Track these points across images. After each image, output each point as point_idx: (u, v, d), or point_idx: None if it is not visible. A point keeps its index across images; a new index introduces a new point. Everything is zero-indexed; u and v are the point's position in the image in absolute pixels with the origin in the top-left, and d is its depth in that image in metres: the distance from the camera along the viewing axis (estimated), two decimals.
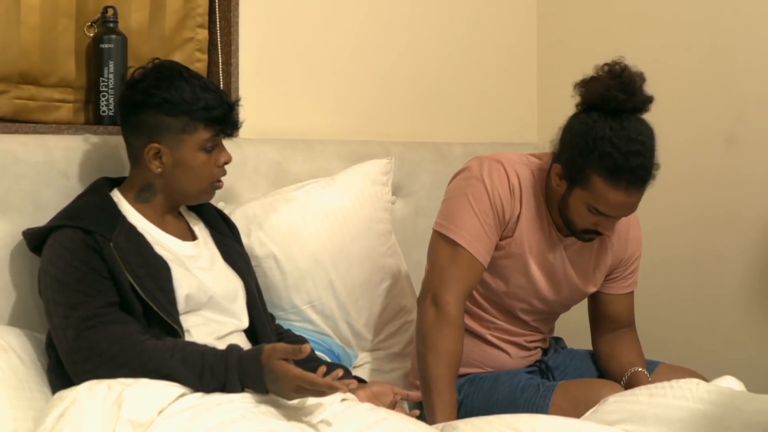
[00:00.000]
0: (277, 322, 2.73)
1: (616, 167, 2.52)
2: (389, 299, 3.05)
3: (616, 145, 2.52)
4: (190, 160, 2.43)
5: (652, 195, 2.64)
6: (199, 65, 2.98)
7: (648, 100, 2.57)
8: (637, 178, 2.54)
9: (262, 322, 2.56)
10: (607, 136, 2.52)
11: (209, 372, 2.19)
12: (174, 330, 2.30)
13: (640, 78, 2.57)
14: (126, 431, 2.01)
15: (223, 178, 2.50)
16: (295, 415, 2.15)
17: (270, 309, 2.70)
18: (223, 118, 2.43)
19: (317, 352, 2.70)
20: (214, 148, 2.45)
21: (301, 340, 2.58)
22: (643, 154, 2.53)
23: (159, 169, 2.42)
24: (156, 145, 2.40)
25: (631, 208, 2.61)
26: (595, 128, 2.54)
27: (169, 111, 2.40)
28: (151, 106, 2.40)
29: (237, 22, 3.03)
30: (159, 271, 2.35)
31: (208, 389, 2.17)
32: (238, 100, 2.51)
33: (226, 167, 2.49)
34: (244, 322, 2.51)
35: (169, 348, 2.22)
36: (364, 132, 3.39)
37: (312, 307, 2.88)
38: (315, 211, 2.92)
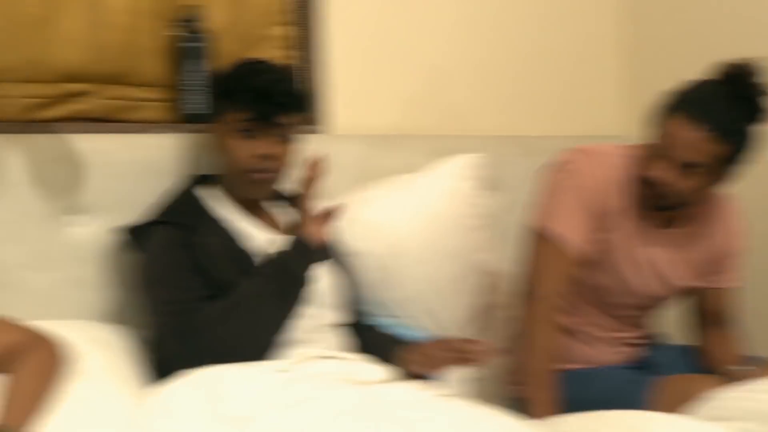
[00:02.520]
0: (367, 317, 2.71)
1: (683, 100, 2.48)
2: (481, 295, 3.00)
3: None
4: (226, 142, 2.42)
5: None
6: (287, 63, 2.97)
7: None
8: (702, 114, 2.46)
9: (357, 317, 2.55)
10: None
11: (272, 281, 2.25)
12: None
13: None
14: (223, 425, 1.99)
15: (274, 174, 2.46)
16: (395, 409, 2.11)
17: (364, 304, 2.69)
18: (260, 99, 2.39)
19: None
20: (252, 134, 2.41)
21: (392, 339, 2.55)
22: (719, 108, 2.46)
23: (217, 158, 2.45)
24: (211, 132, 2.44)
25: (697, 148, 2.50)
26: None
27: (216, 92, 2.45)
28: (214, 95, 2.46)
29: (324, 18, 3.02)
30: (245, 264, 2.35)
31: (283, 290, 2.25)
32: (292, 89, 2.44)
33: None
34: (337, 317, 2.49)
35: (232, 297, 2.25)
36: (453, 127, 3.36)
37: (409, 302, 2.84)
38: (404, 207, 2.89)
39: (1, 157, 2.37)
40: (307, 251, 2.32)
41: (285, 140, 2.43)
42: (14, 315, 2.19)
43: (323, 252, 2.32)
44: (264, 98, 2.39)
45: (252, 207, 2.49)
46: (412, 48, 3.28)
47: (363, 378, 2.24)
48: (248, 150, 2.41)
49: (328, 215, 2.40)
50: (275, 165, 2.43)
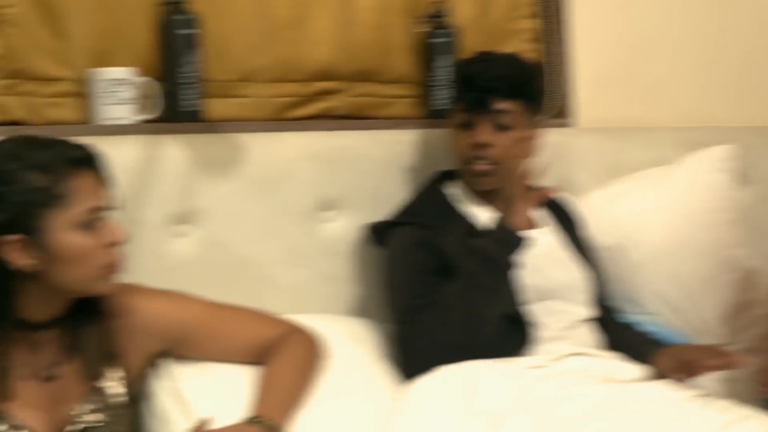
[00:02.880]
0: (620, 314, 2.65)
1: None
2: (737, 292, 2.89)
3: None
4: (452, 135, 2.43)
5: None
6: (532, 56, 2.94)
7: None
8: None
9: (607, 313, 2.50)
10: None
11: (485, 263, 2.21)
12: (520, 320, 2.26)
13: None
14: (480, 422, 1.99)
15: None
16: (654, 410, 2.06)
17: (614, 300, 2.63)
18: (470, 87, 2.37)
19: None
20: (468, 124, 2.39)
21: (648, 340, 2.48)
22: None
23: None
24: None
25: None
26: None
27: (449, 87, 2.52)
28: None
29: (570, 10, 2.98)
30: None
31: (496, 269, 2.21)
32: (506, 75, 2.39)
33: None
34: (589, 313, 2.45)
35: (447, 292, 2.23)
36: (704, 118, 3.26)
37: (659, 298, 2.78)
38: (656, 201, 2.83)
39: (257, 154, 2.43)
40: (509, 239, 2.25)
41: (502, 129, 2.38)
42: (267, 309, 2.26)
43: (525, 239, 2.26)
44: (473, 85, 2.37)
45: (500, 202, 2.46)
46: (662, 37, 3.21)
47: (616, 376, 2.20)
48: (465, 140, 2.40)
49: (538, 197, 2.34)
50: (492, 154, 2.38)
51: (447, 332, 2.19)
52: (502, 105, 2.36)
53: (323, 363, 2.17)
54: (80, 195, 1.85)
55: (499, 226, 2.25)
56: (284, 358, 2.09)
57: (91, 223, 1.86)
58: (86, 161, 1.88)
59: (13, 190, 1.81)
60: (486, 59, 2.41)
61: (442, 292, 2.24)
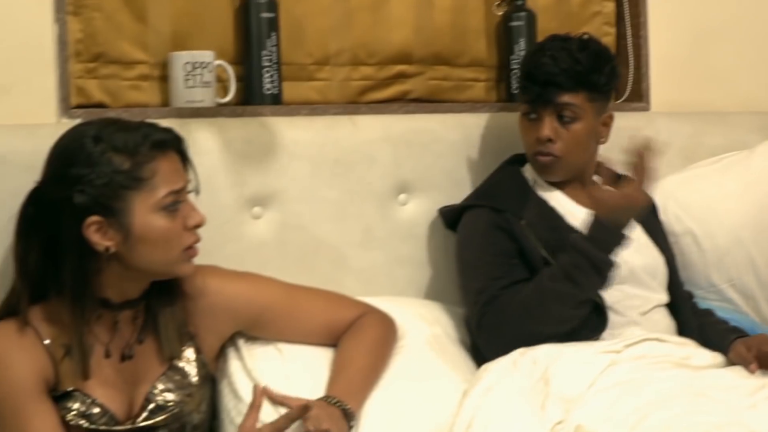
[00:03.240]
0: (692, 299, 2.63)
1: None
2: None
3: None
4: (519, 124, 2.41)
5: None
6: (608, 39, 2.91)
7: None
8: None
9: (681, 299, 2.48)
10: None
11: (576, 270, 2.18)
12: (596, 304, 2.25)
13: None
14: (556, 407, 1.99)
15: None
16: (727, 396, 2.06)
17: (687, 286, 2.61)
18: (533, 80, 2.35)
19: None
20: (533, 116, 2.37)
21: (726, 328, 2.46)
22: None
23: None
24: None
25: None
26: None
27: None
28: None
29: None
30: None
31: (586, 281, 2.18)
32: (572, 67, 2.34)
33: None
34: (665, 298, 2.44)
35: (536, 284, 2.22)
36: None
37: (732, 285, 2.73)
38: (733, 186, 2.78)
39: (334, 137, 2.45)
40: (610, 237, 2.20)
41: (567, 121, 2.35)
42: (345, 291, 2.27)
43: (627, 236, 2.22)
44: (534, 79, 2.35)
45: (579, 184, 2.46)
46: (733, 21, 3.13)
47: (690, 362, 2.20)
48: (531, 134, 2.39)
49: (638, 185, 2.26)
50: (556, 148, 2.36)
51: (533, 322, 2.20)
52: (566, 98, 2.33)
53: (397, 345, 2.19)
54: (162, 178, 1.88)
55: (602, 227, 2.20)
56: (358, 339, 2.10)
57: (172, 206, 1.89)
58: (169, 144, 1.91)
59: (95, 171, 1.83)
60: (552, 49, 2.36)
61: (535, 281, 2.24)
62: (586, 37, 2.41)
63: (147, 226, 1.87)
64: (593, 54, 2.36)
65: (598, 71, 2.35)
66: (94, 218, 1.84)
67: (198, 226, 1.94)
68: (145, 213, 1.87)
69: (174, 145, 1.92)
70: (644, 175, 2.20)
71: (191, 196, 1.97)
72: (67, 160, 1.87)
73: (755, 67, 3.18)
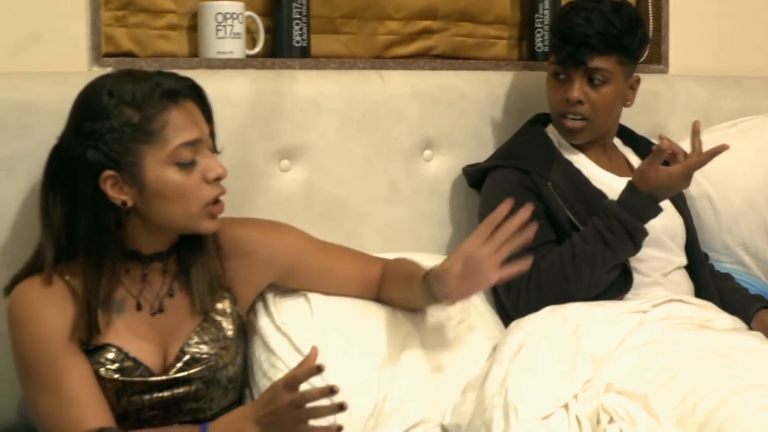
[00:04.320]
0: (710, 262, 2.66)
1: None
2: None
3: None
4: (547, 84, 2.43)
5: None
6: (629, 2, 2.92)
7: None
8: None
9: (699, 261, 2.50)
10: None
11: (609, 233, 2.21)
12: (623, 265, 2.28)
13: None
14: (587, 365, 2.01)
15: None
16: (751, 359, 2.06)
17: (701, 248, 2.63)
18: (565, 41, 2.33)
19: None
20: (562, 77, 2.37)
21: (748, 295, 2.50)
22: None
23: None
24: None
25: None
26: None
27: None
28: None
29: None
30: (598, 206, 2.32)
31: (619, 245, 2.22)
32: (604, 30, 2.33)
33: None
34: (684, 260, 2.46)
35: (568, 247, 2.25)
36: None
37: (745, 249, 2.76)
38: (748, 151, 2.80)
39: (361, 91, 2.44)
40: (646, 206, 2.25)
41: (597, 84, 2.35)
42: (367, 246, 2.28)
43: (661, 208, 2.27)
44: (567, 40, 2.34)
45: (601, 146, 2.47)
46: None
47: (713, 324, 2.22)
48: (559, 94, 2.38)
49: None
50: (584, 110, 2.36)
51: (564, 284, 2.22)
52: (597, 62, 2.33)
53: None
54: (174, 130, 1.83)
55: (639, 195, 2.24)
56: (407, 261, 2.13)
57: (187, 158, 1.84)
58: (181, 94, 1.86)
59: (106, 126, 1.81)
60: (585, 10, 2.34)
61: (566, 243, 2.27)
62: (618, 1, 2.41)
63: (161, 180, 1.84)
64: (626, 17, 2.36)
65: (631, 35, 2.35)
66: (108, 173, 1.82)
67: (218, 178, 1.88)
68: (157, 167, 1.83)
69: (188, 95, 1.87)
70: (698, 163, 2.23)
71: (215, 149, 1.93)
72: (83, 114, 1.85)
73: None
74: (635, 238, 2.23)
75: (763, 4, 3.16)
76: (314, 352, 1.73)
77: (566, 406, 1.95)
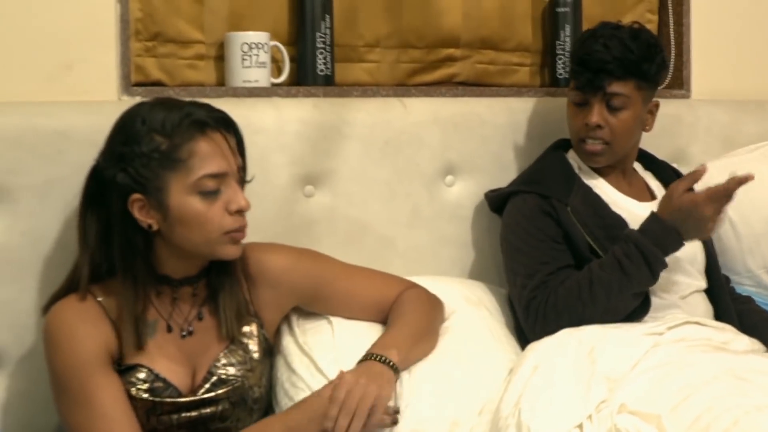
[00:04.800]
0: (731, 285, 2.68)
1: None
2: None
3: None
4: (567, 109, 2.45)
5: None
6: (651, 26, 2.96)
7: None
8: None
9: (719, 284, 2.53)
10: None
11: (626, 260, 2.24)
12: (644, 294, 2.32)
13: None
14: (601, 386, 2.03)
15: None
16: (761, 382, 2.06)
17: (723, 272, 2.65)
18: (585, 67, 2.37)
19: None
20: (582, 102, 2.40)
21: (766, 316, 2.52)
22: None
23: None
24: None
25: None
26: None
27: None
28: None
29: None
30: (617, 231, 2.36)
31: (637, 275, 2.25)
32: (623, 56, 2.36)
33: None
34: (704, 283, 2.49)
35: (586, 273, 2.28)
36: None
37: (767, 271, 2.77)
38: None
39: (384, 118, 2.50)
40: (667, 235, 2.27)
41: (616, 109, 2.39)
42: (390, 270, 2.33)
43: (683, 242, 2.29)
44: (586, 65, 2.37)
45: (620, 172, 2.50)
46: None
47: (730, 347, 2.24)
48: (579, 119, 2.42)
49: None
50: (604, 134, 2.40)
51: (580, 308, 2.25)
52: (615, 87, 2.37)
53: (442, 317, 2.24)
54: (200, 160, 1.89)
55: (661, 223, 2.27)
56: (404, 306, 2.15)
57: (210, 189, 1.90)
58: (210, 125, 1.92)
59: (135, 150, 1.88)
60: (603, 37, 2.38)
61: (585, 268, 2.30)
62: (636, 26, 2.44)
63: (183, 207, 1.90)
64: (645, 43, 2.39)
65: (649, 60, 2.39)
66: (136, 196, 1.89)
67: (240, 210, 1.94)
68: (181, 194, 1.89)
69: (217, 127, 1.92)
70: (724, 190, 2.26)
71: (242, 180, 1.98)
72: (118, 138, 1.92)
73: None
74: (652, 267, 2.25)
75: None
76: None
77: (580, 427, 1.97)
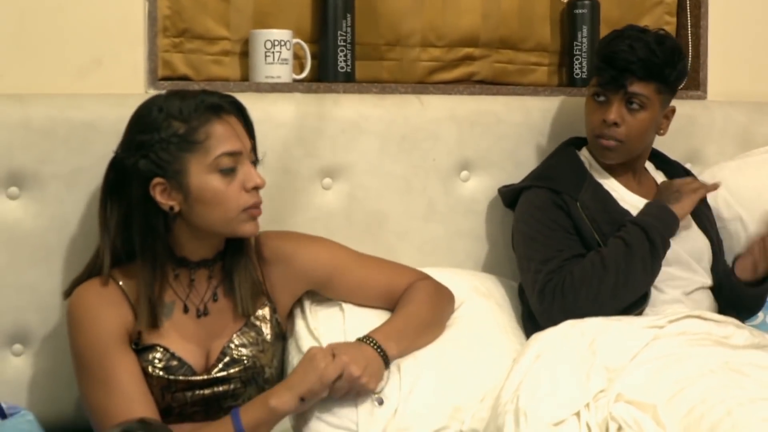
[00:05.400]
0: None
1: None
2: None
3: None
4: (586, 107, 2.52)
5: None
6: (668, 28, 3.01)
7: None
8: None
9: (725, 282, 2.57)
10: None
11: (625, 233, 2.37)
12: None
13: None
14: (600, 376, 2.10)
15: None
16: (763, 374, 2.12)
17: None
18: (608, 65, 2.43)
19: None
20: (602, 99, 2.46)
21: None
22: None
23: None
24: None
25: None
26: None
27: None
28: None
29: None
30: None
31: (636, 243, 2.36)
32: (646, 56, 2.41)
33: None
34: (709, 281, 2.54)
35: (594, 253, 2.38)
36: None
37: None
38: None
39: (402, 115, 2.58)
40: (670, 221, 2.40)
41: (635, 109, 2.45)
42: (404, 261, 2.40)
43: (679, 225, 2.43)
44: (611, 63, 2.43)
45: (631, 171, 2.57)
46: None
47: (730, 341, 2.29)
48: (597, 115, 2.48)
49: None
50: (620, 133, 2.46)
51: (596, 283, 2.32)
52: (636, 87, 2.43)
53: (450, 308, 2.32)
54: (217, 141, 2.01)
55: (663, 208, 2.41)
56: (411, 296, 2.24)
57: (227, 167, 2.02)
58: (224, 108, 2.04)
59: (155, 137, 2.00)
60: (630, 38, 2.44)
61: (597, 253, 2.38)
62: (662, 32, 2.51)
63: (203, 186, 2.01)
64: (669, 49, 2.45)
65: (671, 66, 2.45)
66: (158, 180, 2.00)
67: (257, 187, 2.05)
68: (200, 173, 2.01)
69: (230, 110, 2.05)
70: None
71: (255, 161, 2.09)
72: (136, 128, 2.04)
73: None
74: (649, 234, 2.36)
75: None
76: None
77: (578, 414, 2.05)
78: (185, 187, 2.00)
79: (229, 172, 2.02)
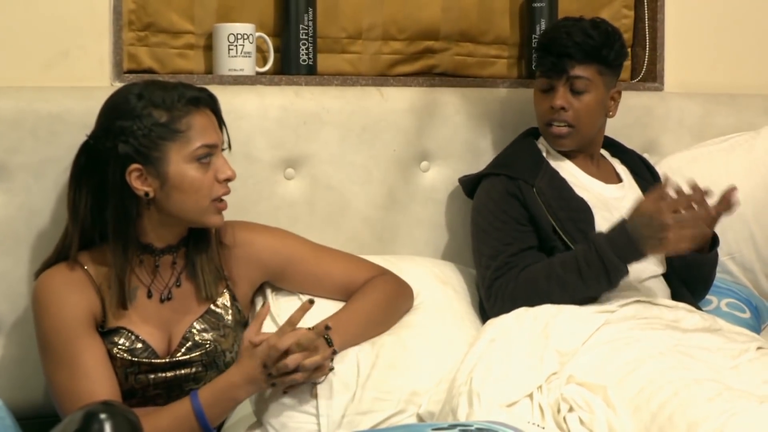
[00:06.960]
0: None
1: None
2: None
3: None
4: (534, 97, 2.57)
5: None
6: (626, 21, 3.08)
7: None
8: None
9: (678, 269, 2.63)
10: None
11: (585, 265, 2.34)
12: None
13: None
14: (553, 359, 2.17)
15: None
16: (711, 357, 2.21)
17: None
18: (547, 51, 2.49)
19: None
20: (547, 87, 2.53)
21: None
22: None
23: None
24: None
25: None
26: None
27: None
28: None
29: None
30: (580, 213, 2.50)
31: (593, 280, 2.34)
32: (583, 40, 2.48)
33: None
34: (662, 269, 2.60)
35: (546, 267, 2.39)
36: None
37: (732, 258, 2.89)
38: (738, 165, 2.92)
39: (363, 106, 2.63)
40: (634, 250, 2.31)
41: (578, 93, 2.51)
42: (366, 250, 2.47)
43: (644, 255, 2.35)
44: (549, 51, 2.51)
45: (588, 156, 2.63)
46: (751, 7, 3.26)
47: (680, 324, 2.35)
48: (545, 104, 2.55)
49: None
50: (567, 117, 2.52)
51: (537, 298, 2.36)
52: (578, 70, 2.50)
53: (407, 305, 2.37)
54: (197, 132, 2.08)
55: (626, 234, 2.31)
56: (366, 292, 2.29)
57: (204, 158, 2.09)
58: (203, 101, 2.11)
59: (137, 124, 2.05)
60: (566, 26, 2.53)
61: (547, 262, 2.41)
62: (598, 19, 2.59)
63: (181, 175, 2.08)
64: (604, 31, 2.54)
65: (608, 47, 2.52)
66: (135, 166, 2.06)
67: (228, 179, 2.13)
68: (179, 162, 2.07)
69: (208, 104, 2.12)
70: (686, 208, 2.31)
71: (225, 153, 2.16)
72: (114, 115, 2.09)
73: (766, 48, 3.30)
74: (610, 276, 2.34)
75: (758, 22, 3.27)
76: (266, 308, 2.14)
77: (531, 396, 2.11)
78: (163, 175, 2.06)
79: (205, 163, 2.09)
